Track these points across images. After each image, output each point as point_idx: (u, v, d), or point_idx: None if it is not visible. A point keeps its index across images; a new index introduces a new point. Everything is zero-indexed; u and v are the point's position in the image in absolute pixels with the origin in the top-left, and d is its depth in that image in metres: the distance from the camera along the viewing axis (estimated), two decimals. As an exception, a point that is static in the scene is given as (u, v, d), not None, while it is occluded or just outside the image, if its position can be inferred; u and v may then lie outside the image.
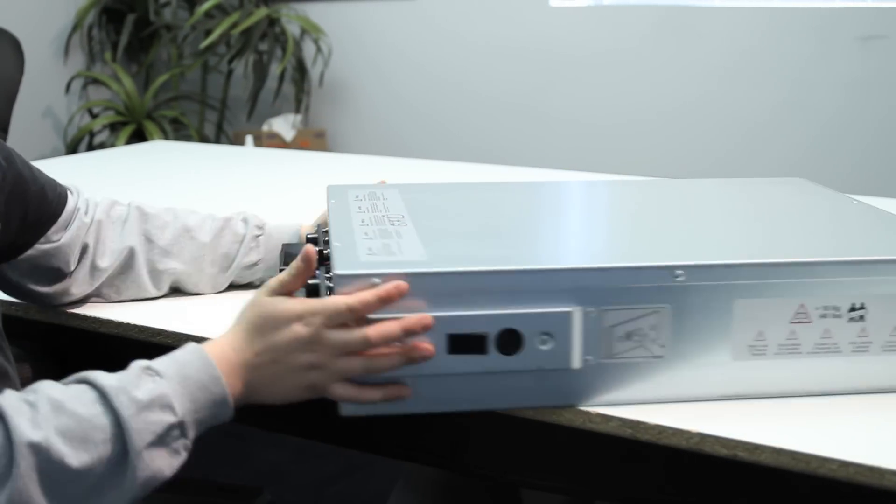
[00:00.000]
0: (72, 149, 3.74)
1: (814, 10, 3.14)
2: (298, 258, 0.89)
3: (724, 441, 0.82)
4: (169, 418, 0.80)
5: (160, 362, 0.83)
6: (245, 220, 1.19)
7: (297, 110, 3.78)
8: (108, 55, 3.92)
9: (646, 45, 3.37)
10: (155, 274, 1.15)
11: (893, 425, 0.86)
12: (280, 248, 1.15)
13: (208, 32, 3.67)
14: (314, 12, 3.84)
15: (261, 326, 0.87)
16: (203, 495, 1.39)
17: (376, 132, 3.85)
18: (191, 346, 0.85)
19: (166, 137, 3.67)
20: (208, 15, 3.73)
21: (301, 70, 3.75)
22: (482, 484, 1.29)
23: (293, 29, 3.82)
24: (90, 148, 3.80)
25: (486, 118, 3.65)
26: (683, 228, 1.04)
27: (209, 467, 2.31)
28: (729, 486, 0.83)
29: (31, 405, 0.76)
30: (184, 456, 0.81)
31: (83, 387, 0.80)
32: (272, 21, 3.72)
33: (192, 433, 0.82)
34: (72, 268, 1.11)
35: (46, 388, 0.78)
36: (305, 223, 1.21)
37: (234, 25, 3.62)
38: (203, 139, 3.85)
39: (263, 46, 3.72)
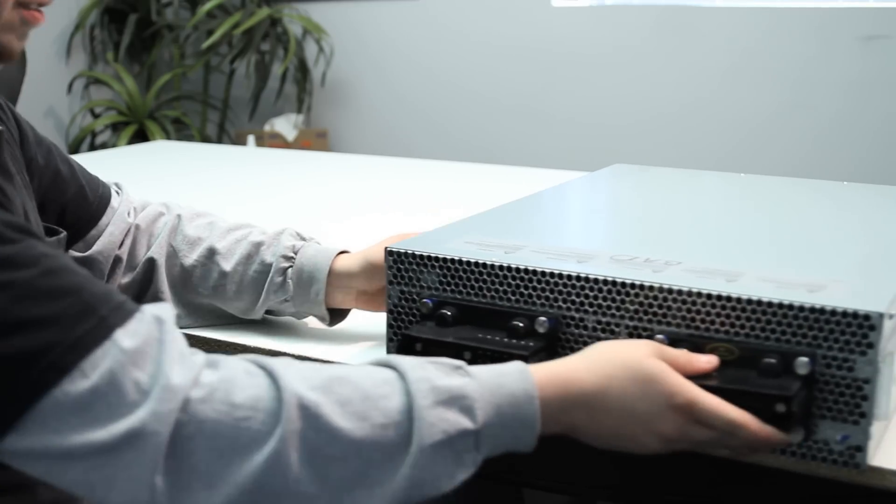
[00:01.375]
0: (74, 149, 3.73)
1: (815, 10, 3.13)
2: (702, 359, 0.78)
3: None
4: (466, 423, 0.69)
5: (476, 367, 0.73)
6: (277, 242, 1.04)
7: (299, 110, 3.77)
8: (110, 55, 3.90)
9: (648, 45, 3.35)
10: (178, 296, 1.06)
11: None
12: (313, 280, 1.02)
13: (210, 32, 3.66)
14: (316, 12, 3.83)
15: (625, 369, 0.74)
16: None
17: (378, 132, 3.84)
18: (517, 361, 0.75)
19: (168, 137, 3.65)
20: (210, 15, 3.71)
21: (303, 70, 3.73)
22: (484, 484, 1.28)
23: (295, 29, 3.80)
24: (92, 148, 3.79)
25: (487, 118, 3.63)
26: None
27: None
28: (727, 483, 0.82)
29: (313, 369, 0.69)
30: (469, 471, 0.70)
31: (380, 368, 0.71)
32: (274, 21, 3.70)
33: (484, 449, 0.71)
34: (105, 280, 1.04)
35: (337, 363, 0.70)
36: (342, 246, 1.06)
37: (236, 25, 3.60)
38: (205, 139, 3.84)
39: (265, 46, 3.71)
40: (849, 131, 3.12)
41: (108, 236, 1.04)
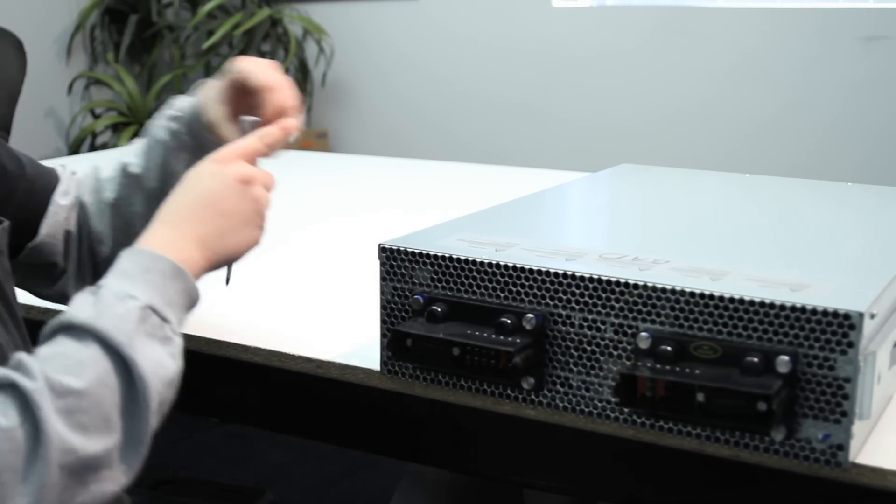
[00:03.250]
0: (74, 150, 3.74)
1: (816, 11, 3.14)
2: (276, 127, 0.97)
3: (728, 439, 0.82)
4: (135, 303, 0.77)
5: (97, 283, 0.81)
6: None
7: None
8: (110, 56, 3.92)
9: (649, 46, 3.37)
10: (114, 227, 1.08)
11: None
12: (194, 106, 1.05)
13: (210, 33, 3.67)
14: (317, 13, 3.84)
15: (185, 193, 0.89)
16: (206, 496, 1.39)
17: (379, 133, 3.85)
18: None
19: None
20: (210, 15, 3.73)
21: (303, 71, 3.75)
22: (484, 484, 1.29)
23: (296, 29, 3.82)
24: (92, 149, 3.81)
25: (488, 119, 3.65)
26: None
27: (212, 468, 2.32)
28: (731, 486, 0.83)
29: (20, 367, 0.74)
30: (178, 343, 0.80)
31: (54, 334, 0.77)
32: (274, 22, 3.72)
33: (170, 315, 0.80)
34: (63, 263, 1.07)
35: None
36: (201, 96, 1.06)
37: (236, 26, 3.62)
38: (205, 140, 3.85)
39: (266, 47, 3.73)
40: (852, 131, 3.14)
41: (52, 216, 1.05)
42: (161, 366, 0.76)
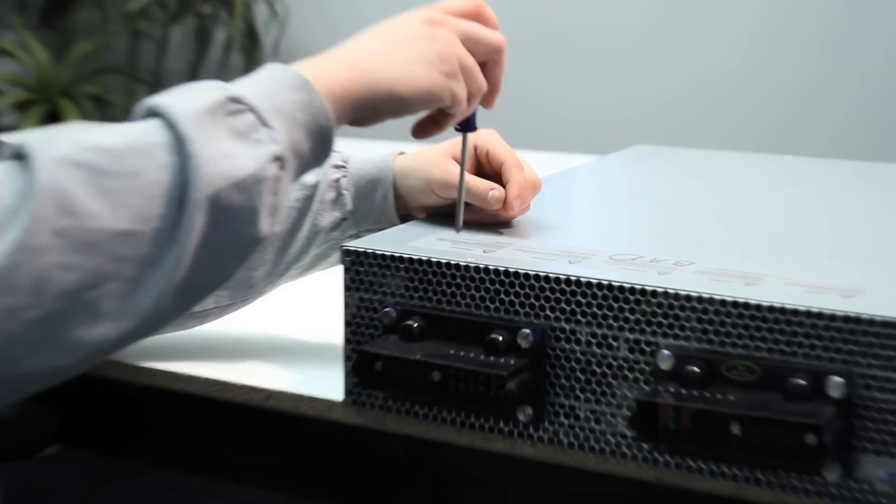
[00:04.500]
0: (-27, 134, 3.73)
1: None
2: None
3: (770, 481, 0.81)
4: (221, 93, 0.77)
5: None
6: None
7: (247, 85, 3.78)
8: (16, 20, 3.91)
9: (667, 12, 3.37)
10: None
11: None
12: (377, 183, 1.07)
13: (138, -8, 3.66)
14: (266, -33, 3.84)
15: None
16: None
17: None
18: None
19: (87, 118, 3.66)
20: (138, -29, 3.72)
21: (252, 37, 3.74)
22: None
23: (241, -13, 3.81)
24: (-5, 133, 3.79)
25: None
26: None
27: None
28: None
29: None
30: (270, 149, 0.77)
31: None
32: (216, -22, 3.71)
33: (275, 122, 0.78)
34: None
35: None
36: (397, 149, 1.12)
37: (169, -17, 3.61)
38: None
39: (206, 9, 3.72)
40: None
41: None
42: (230, 160, 0.75)
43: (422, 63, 0.88)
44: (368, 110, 0.87)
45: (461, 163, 0.98)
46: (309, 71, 0.83)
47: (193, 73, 3.71)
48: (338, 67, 0.85)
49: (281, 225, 1.04)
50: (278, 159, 0.77)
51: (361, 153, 1.08)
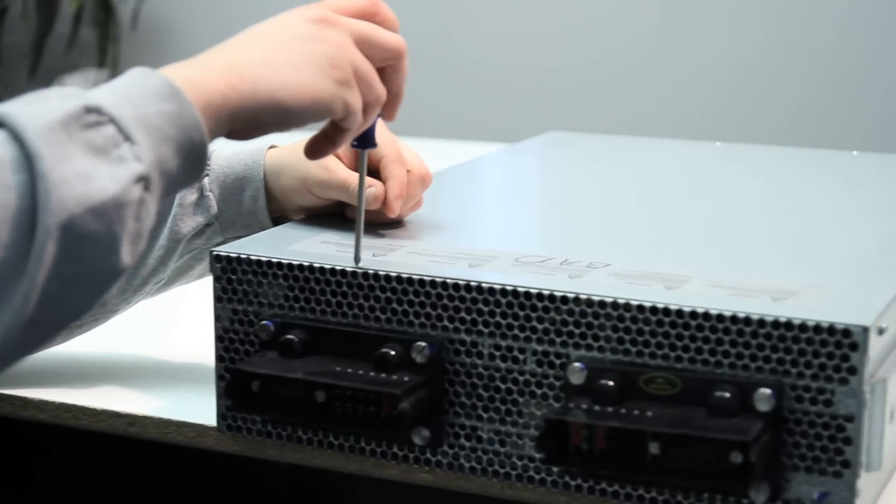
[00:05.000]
0: None
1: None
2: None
3: (691, 508, 0.84)
4: (77, 102, 0.75)
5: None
6: None
7: (101, 63, 3.74)
8: None
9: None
10: None
11: None
12: (245, 182, 1.07)
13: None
14: (122, -74, 3.80)
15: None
16: None
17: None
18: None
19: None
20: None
21: (105, 8, 3.70)
22: None
23: (92, -50, 3.78)
24: None
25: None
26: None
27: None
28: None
29: None
30: (133, 168, 0.75)
31: None
32: (62, -61, 3.67)
33: (139, 136, 0.76)
34: None
35: None
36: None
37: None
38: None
39: (51, -26, 3.68)
40: (855, 82, 3.20)
41: None
42: (87, 181, 0.73)
43: (309, 67, 0.86)
44: (249, 121, 0.84)
45: (360, 182, 0.95)
46: (180, 75, 0.81)
47: (37, 49, 3.66)
48: (214, 72, 0.83)
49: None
50: (143, 179, 0.75)
51: (227, 147, 1.06)
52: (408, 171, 1.03)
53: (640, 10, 3.37)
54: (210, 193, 1.06)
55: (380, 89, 0.90)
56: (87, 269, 0.74)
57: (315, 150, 0.92)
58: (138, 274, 1.05)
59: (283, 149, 1.07)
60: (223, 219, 1.06)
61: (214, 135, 0.82)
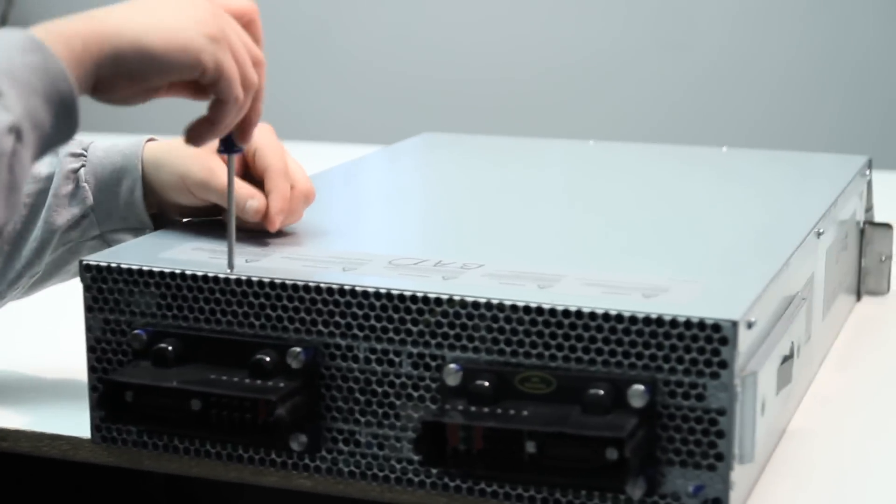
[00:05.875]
0: None
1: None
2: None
3: (571, 501, 0.84)
4: None
5: None
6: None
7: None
8: None
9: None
10: None
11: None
12: (122, 174, 1.04)
13: None
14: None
15: None
16: None
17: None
18: None
19: None
20: None
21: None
22: None
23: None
24: None
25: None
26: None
27: None
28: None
29: None
30: (2, 118, 0.74)
31: None
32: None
33: (2, 84, 0.75)
34: None
35: None
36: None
37: None
38: None
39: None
40: (731, 72, 3.24)
41: None
42: None
43: (179, 17, 0.85)
44: (113, 68, 0.82)
45: (229, 188, 0.95)
46: (42, 28, 0.80)
47: None
48: (76, 20, 0.82)
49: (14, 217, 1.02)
50: (13, 130, 0.75)
51: (105, 140, 1.06)
52: (291, 187, 1.02)
53: (524, 5, 3.39)
54: (86, 184, 1.04)
55: (252, 73, 0.89)
56: None
57: (195, 133, 0.90)
58: (13, 267, 1.03)
59: (165, 143, 1.05)
60: (99, 211, 1.04)
61: (83, 85, 0.81)
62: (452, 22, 3.45)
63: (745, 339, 0.81)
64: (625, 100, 3.33)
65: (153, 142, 1.06)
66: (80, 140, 1.04)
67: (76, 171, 1.04)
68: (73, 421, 0.97)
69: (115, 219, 1.05)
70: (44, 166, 1.03)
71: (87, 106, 0.81)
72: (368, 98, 3.52)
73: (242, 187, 0.99)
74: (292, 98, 3.52)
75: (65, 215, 1.03)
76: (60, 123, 0.79)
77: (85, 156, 1.05)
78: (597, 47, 3.34)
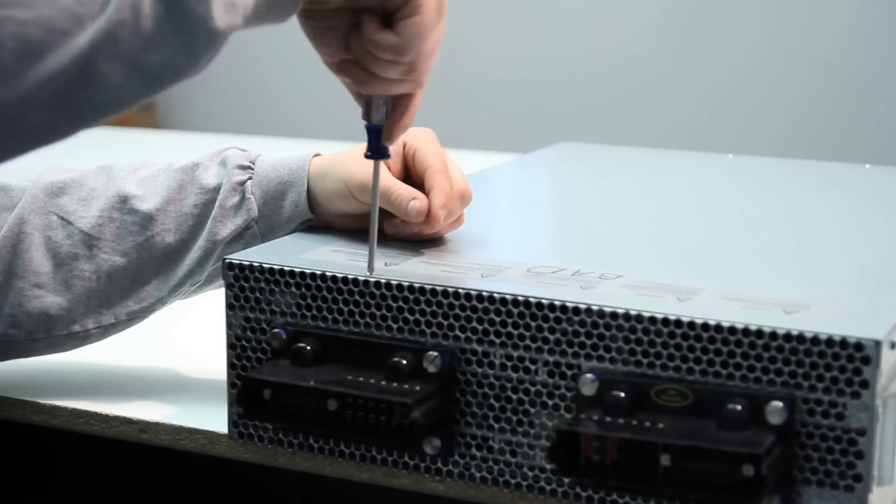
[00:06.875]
0: None
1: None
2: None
3: None
4: None
5: None
6: (224, 162, 1.06)
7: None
8: None
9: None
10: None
11: None
12: (288, 187, 1.05)
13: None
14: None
15: None
16: None
17: (217, 103, 3.82)
18: None
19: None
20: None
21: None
22: None
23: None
24: None
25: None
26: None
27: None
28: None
29: None
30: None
31: None
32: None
33: None
34: None
35: None
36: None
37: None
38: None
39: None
40: (868, 93, 3.20)
41: None
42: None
43: None
44: None
45: (373, 195, 0.95)
46: None
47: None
48: None
49: (179, 229, 1.04)
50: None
51: (273, 154, 1.07)
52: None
53: (648, 21, 3.37)
54: (251, 196, 1.04)
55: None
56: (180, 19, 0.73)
57: (387, 134, 0.93)
58: (175, 275, 1.04)
59: (329, 155, 1.06)
60: (262, 223, 1.05)
61: None
62: (594, 33, 3.44)
63: (887, 359, 0.79)
64: (763, 112, 3.30)
65: (319, 156, 1.07)
66: (248, 153, 1.06)
67: (243, 183, 1.04)
68: (211, 416, 0.98)
69: (277, 232, 1.05)
70: (212, 178, 1.04)
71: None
72: (505, 106, 3.53)
73: (403, 189, 1.00)
74: (431, 105, 3.54)
75: (229, 226, 1.04)
76: None
77: (252, 169, 1.05)
78: (734, 58, 3.31)
